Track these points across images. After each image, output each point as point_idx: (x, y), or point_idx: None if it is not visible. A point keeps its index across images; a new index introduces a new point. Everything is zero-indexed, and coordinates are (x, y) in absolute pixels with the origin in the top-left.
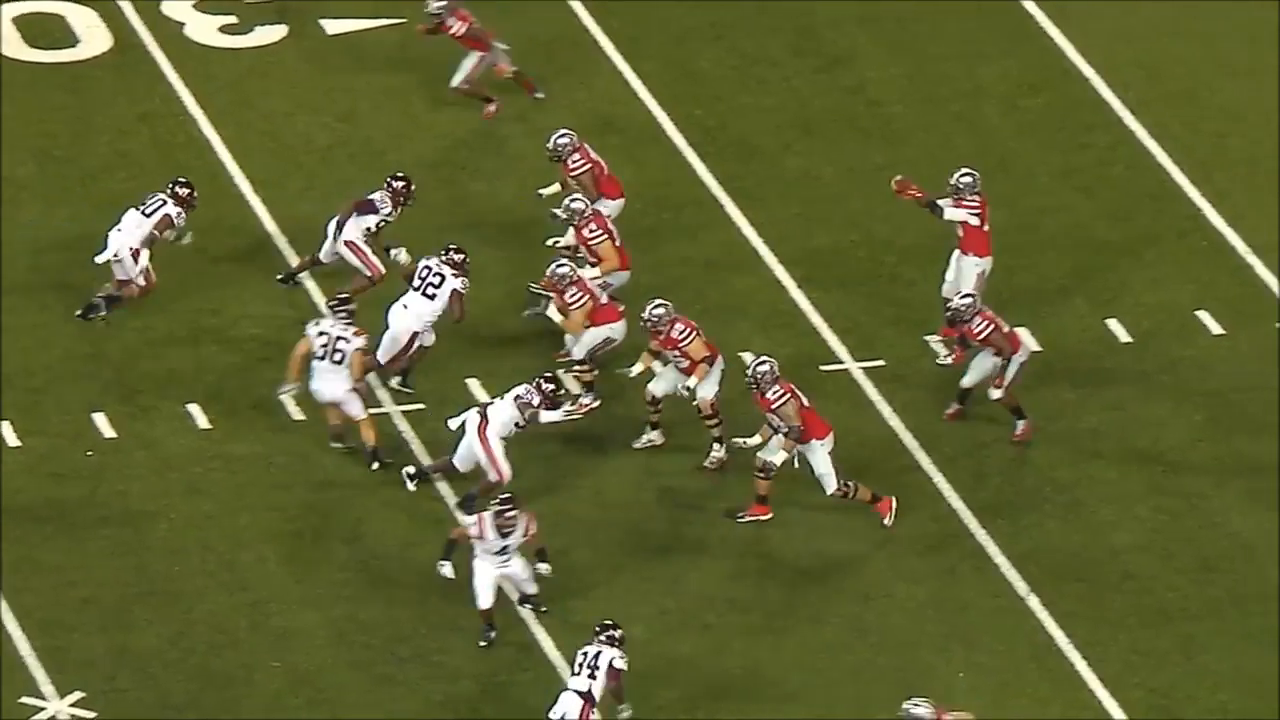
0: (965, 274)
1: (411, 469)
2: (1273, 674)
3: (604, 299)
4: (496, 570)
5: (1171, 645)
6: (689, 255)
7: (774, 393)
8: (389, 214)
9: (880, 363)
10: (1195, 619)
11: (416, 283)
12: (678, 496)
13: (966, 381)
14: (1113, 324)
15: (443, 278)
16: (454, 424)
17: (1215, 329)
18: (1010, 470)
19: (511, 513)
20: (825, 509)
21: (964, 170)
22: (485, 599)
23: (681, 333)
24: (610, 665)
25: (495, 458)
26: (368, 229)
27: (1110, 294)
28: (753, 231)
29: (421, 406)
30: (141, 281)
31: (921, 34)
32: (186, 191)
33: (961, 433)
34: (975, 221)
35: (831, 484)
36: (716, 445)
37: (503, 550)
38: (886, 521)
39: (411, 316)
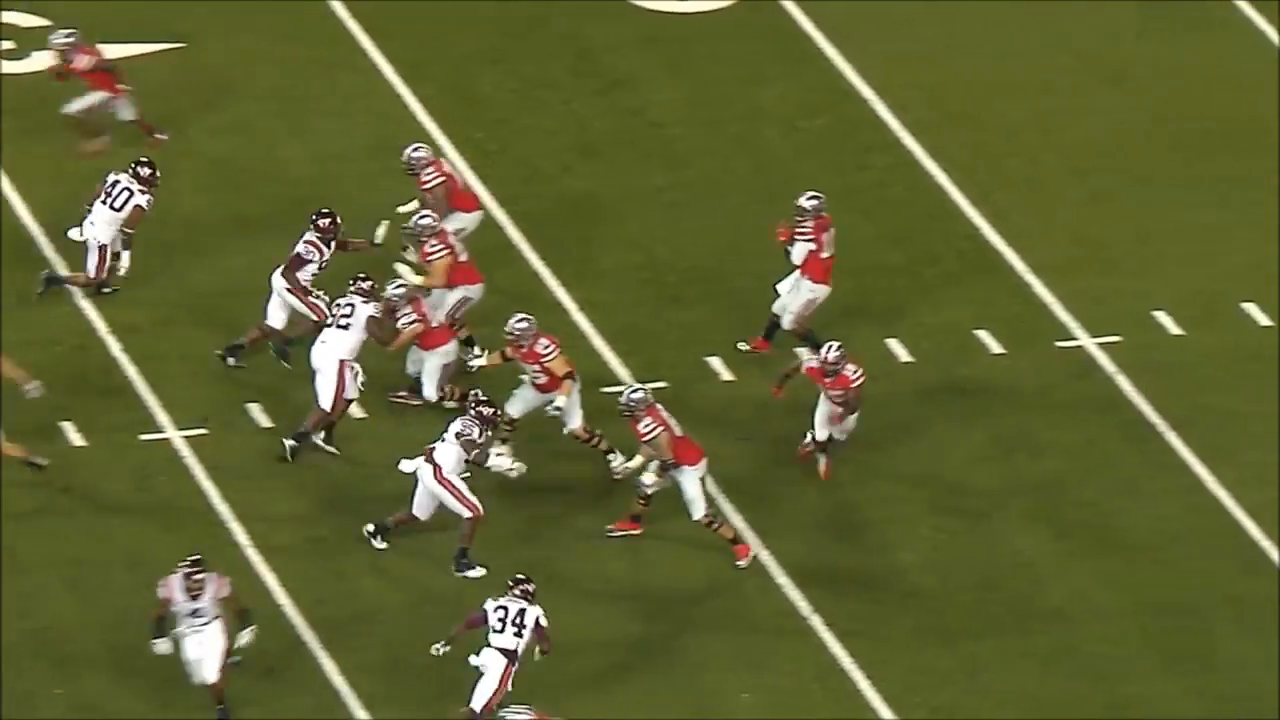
0: (800, 297)
1: (371, 526)
2: (1053, 692)
3: (464, 257)
4: (196, 637)
5: (954, 664)
6: None
7: (645, 425)
8: (322, 260)
9: (663, 384)
10: (977, 637)
11: (329, 319)
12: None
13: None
14: (893, 344)
15: (354, 307)
16: (407, 468)
17: (995, 348)
18: (794, 489)
19: (199, 575)
20: (611, 533)
21: (810, 194)
22: (199, 673)
23: (545, 348)
24: (536, 622)
25: (463, 496)
26: (307, 280)
27: (891, 314)
28: (534, 254)
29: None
30: (92, 275)
31: (701, 56)
32: (149, 171)
33: (746, 452)
34: (812, 247)
35: (699, 511)
36: (611, 455)
37: (195, 614)
38: (741, 564)
39: (332, 351)
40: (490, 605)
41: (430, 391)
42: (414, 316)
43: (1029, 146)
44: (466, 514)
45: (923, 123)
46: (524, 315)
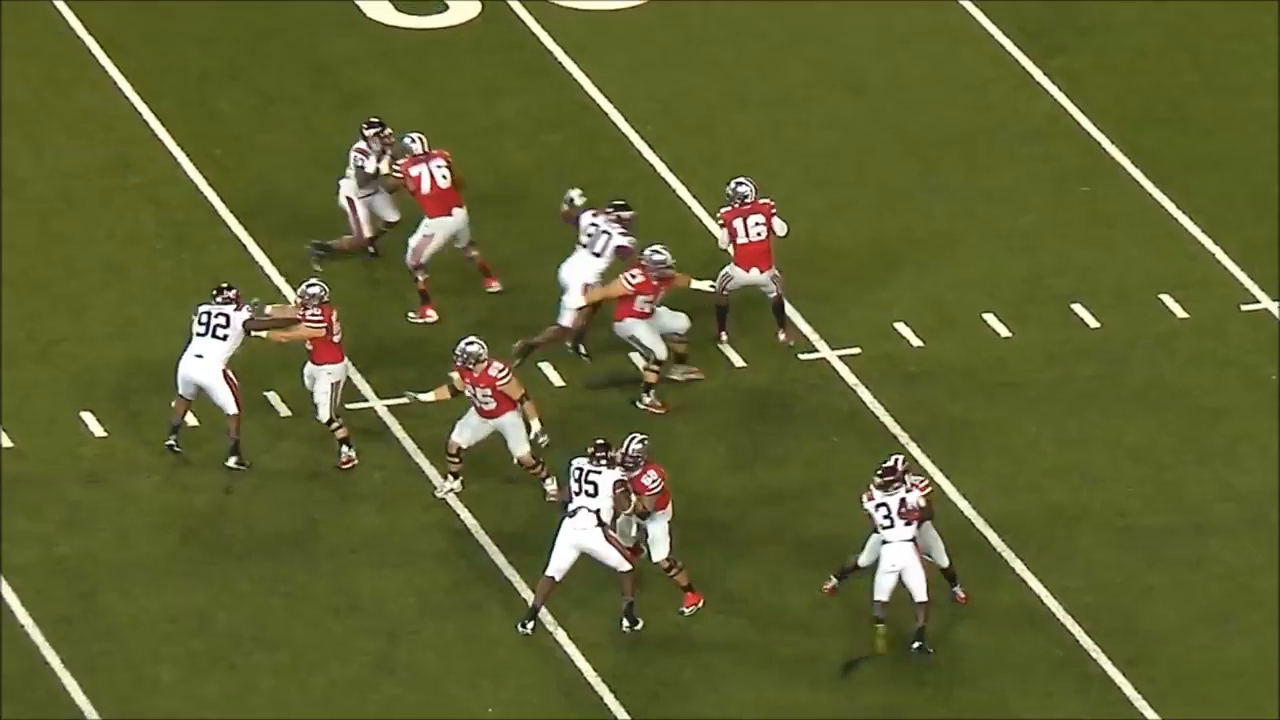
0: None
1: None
2: (794, 701)
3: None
4: None
5: (695, 675)
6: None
7: (651, 480)
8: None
9: (403, 401)
10: (719, 649)
11: (200, 329)
12: (201, 536)
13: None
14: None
15: (228, 318)
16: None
17: (737, 361)
18: (536, 503)
19: None
20: (357, 548)
21: (739, 180)
22: None
23: (500, 371)
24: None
25: (623, 549)
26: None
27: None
28: (274, 270)
29: (404, 400)
30: None
31: (439, 71)
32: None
33: (485, 468)
34: (727, 235)
35: (661, 552)
36: (548, 482)
37: None
38: (686, 611)
39: (211, 363)
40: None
41: (324, 414)
42: (321, 320)
43: (767, 158)
44: (626, 567)
45: (661, 135)
46: (474, 338)
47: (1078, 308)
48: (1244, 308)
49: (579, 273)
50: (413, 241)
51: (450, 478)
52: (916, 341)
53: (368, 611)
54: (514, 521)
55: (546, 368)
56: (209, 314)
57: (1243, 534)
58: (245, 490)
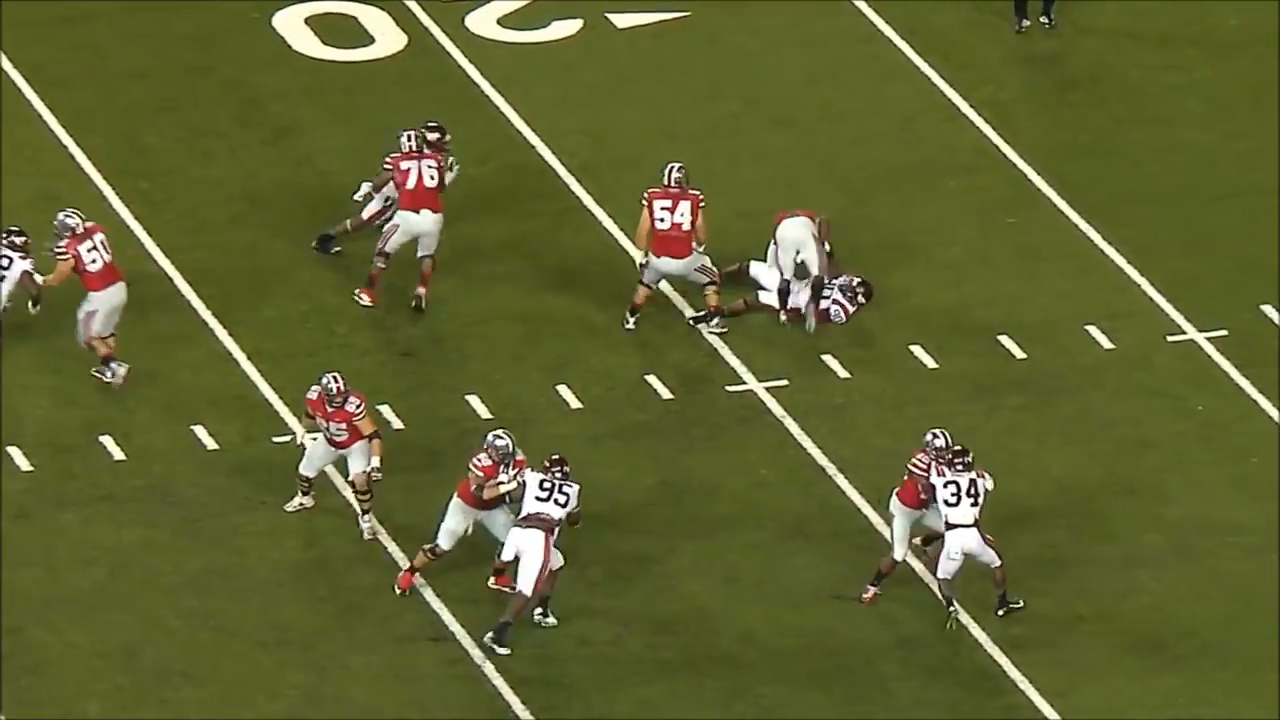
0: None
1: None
2: None
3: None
4: None
5: (628, 709)
6: (138, 329)
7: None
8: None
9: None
10: (649, 682)
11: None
12: (129, 571)
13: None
14: (563, 390)
15: (11, 260)
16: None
17: (665, 393)
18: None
19: None
20: (284, 582)
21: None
22: None
23: (357, 406)
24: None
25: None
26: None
27: (560, 360)
28: (200, 304)
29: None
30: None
31: (368, 105)
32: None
33: (412, 500)
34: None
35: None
36: (365, 519)
37: None
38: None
39: None
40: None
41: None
42: (67, 252)
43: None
44: (529, 590)
45: (589, 168)
46: (333, 374)
47: (1005, 339)
48: (1170, 339)
49: None
50: (386, 226)
51: (301, 494)
52: (844, 374)
53: (296, 645)
54: (440, 556)
55: (565, 391)
56: None
57: (1171, 565)
58: (173, 524)
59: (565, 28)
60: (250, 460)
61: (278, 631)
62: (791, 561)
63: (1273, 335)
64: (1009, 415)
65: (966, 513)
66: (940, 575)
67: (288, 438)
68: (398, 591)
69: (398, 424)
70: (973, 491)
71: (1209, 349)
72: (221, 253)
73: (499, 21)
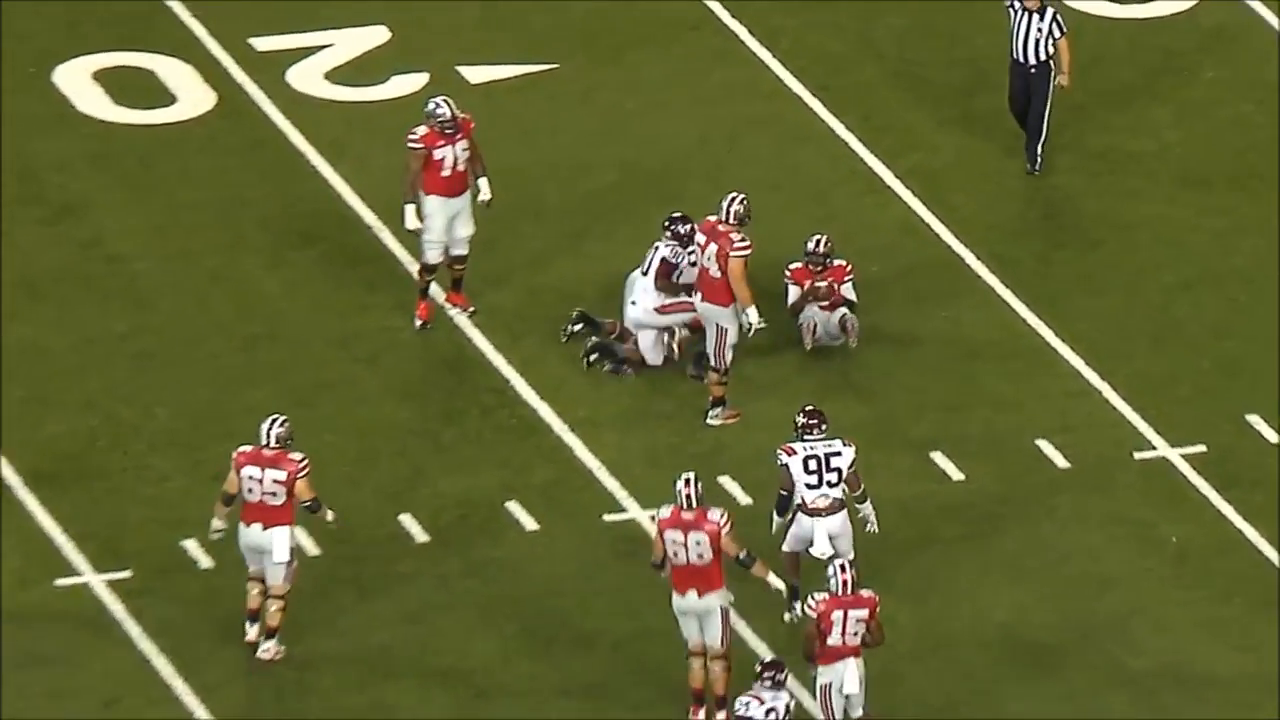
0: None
1: None
2: None
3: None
4: None
5: None
6: None
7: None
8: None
9: (125, 574)
10: None
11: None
12: None
13: None
14: (406, 520)
15: None
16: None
17: (529, 524)
18: (290, 691)
19: None
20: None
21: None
22: None
23: (302, 461)
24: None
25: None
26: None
27: (402, 484)
28: None
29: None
30: None
31: (170, 176)
32: None
33: (227, 660)
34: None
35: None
36: (267, 643)
37: None
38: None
39: None
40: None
41: None
42: None
43: (563, 274)
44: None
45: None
46: (283, 416)
47: (938, 456)
48: (1137, 455)
49: None
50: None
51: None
52: (745, 499)
53: None
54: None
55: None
56: None
57: None
58: None
59: (408, 83)
60: (27, 608)
61: None
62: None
63: (1259, 450)
64: (943, 548)
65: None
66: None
67: (73, 580)
68: None
69: (205, 562)
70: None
71: (1183, 467)
72: None
73: (328, 76)
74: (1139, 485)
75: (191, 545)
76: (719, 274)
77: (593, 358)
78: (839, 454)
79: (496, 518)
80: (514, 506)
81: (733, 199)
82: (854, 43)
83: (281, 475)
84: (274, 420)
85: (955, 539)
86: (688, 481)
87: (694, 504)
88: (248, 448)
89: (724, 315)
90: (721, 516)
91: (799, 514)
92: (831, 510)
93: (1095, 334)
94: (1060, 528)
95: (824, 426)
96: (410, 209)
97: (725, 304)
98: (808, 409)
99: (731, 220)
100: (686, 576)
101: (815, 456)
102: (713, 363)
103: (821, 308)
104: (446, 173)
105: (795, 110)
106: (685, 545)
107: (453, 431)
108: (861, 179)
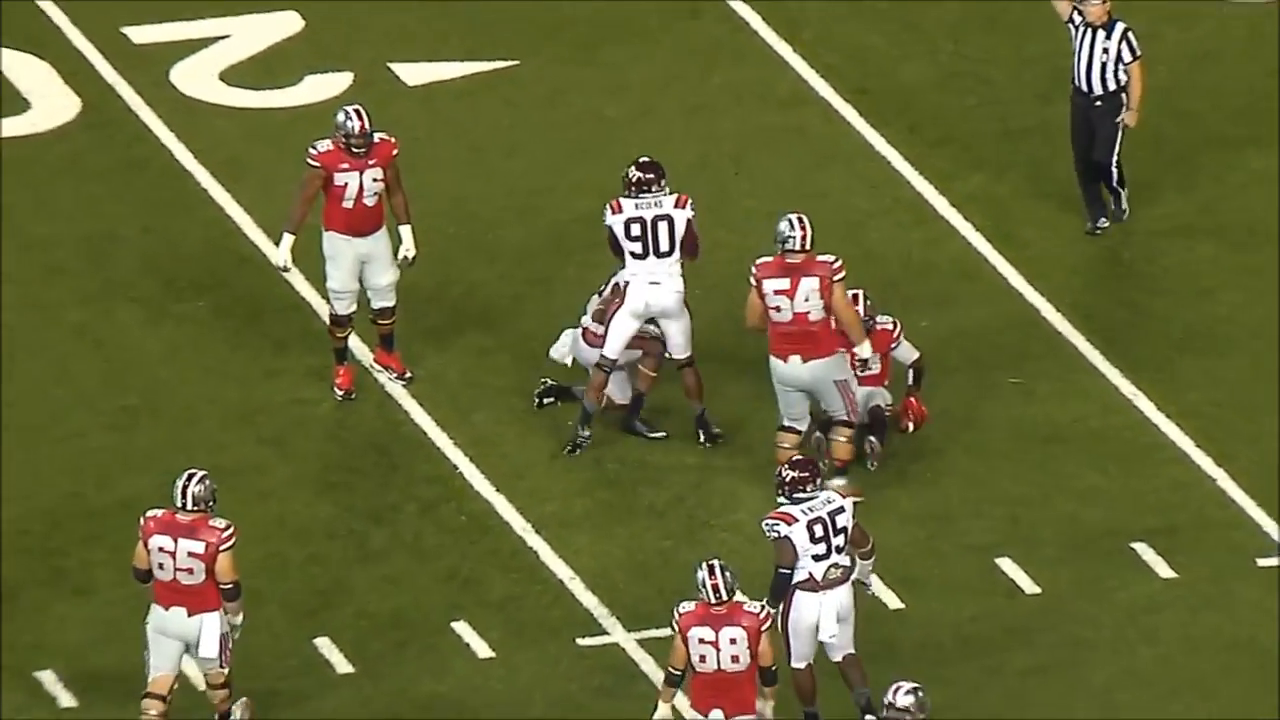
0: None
1: None
2: None
3: None
4: None
5: None
6: None
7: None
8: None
9: None
10: None
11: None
12: None
13: None
14: (324, 645)
15: None
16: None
17: (482, 650)
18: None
19: None
20: None
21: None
22: None
23: (227, 529)
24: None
25: None
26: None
27: (318, 600)
28: None
29: None
30: None
31: (20, 206)
32: None
33: None
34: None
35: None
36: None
37: None
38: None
39: None
40: None
41: None
42: None
43: (506, 321)
44: None
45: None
46: (204, 472)
47: (1005, 563)
48: (1260, 562)
49: None
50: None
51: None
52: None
53: None
54: None
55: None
56: None
57: None
58: None
59: (327, 84)
60: None
61: None
62: None
63: None
64: (1013, 682)
65: None
66: None
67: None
68: None
69: (66, 700)
70: None
71: None
72: None
73: (223, 76)
74: (1263, 602)
75: (48, 678)
76: (821, 314)
77: (545, 401)
78: (841, 510)
79: (440, 643)
80: (462, 628)
81: (791, 221)
82: (897, 35)
83: (199, 547)
84: (190, 476)
85: (1027, 671)
86: (712, 570)
87: (726, 595)
88: (158, 511)
89: (838, 367)
90: (762, 610)
91: (796, 594)
92: (841, 581)
93: (1208, 407)
94: (1163, 657)
95: (819, 480)
96: (286, 241)
97: (833, 351)
98: (796, 460)
99: (808, 246)
100: (713, 688)
101: (819, 520)
102: (846, 418)
103: (861, 381)
104: (348, 203)
105: (821, 120)
106: (717, 645)
107: (384, 533)
108: (907, 208)
